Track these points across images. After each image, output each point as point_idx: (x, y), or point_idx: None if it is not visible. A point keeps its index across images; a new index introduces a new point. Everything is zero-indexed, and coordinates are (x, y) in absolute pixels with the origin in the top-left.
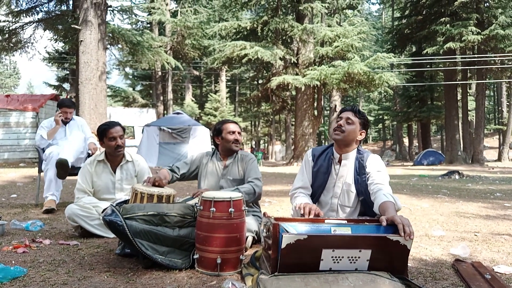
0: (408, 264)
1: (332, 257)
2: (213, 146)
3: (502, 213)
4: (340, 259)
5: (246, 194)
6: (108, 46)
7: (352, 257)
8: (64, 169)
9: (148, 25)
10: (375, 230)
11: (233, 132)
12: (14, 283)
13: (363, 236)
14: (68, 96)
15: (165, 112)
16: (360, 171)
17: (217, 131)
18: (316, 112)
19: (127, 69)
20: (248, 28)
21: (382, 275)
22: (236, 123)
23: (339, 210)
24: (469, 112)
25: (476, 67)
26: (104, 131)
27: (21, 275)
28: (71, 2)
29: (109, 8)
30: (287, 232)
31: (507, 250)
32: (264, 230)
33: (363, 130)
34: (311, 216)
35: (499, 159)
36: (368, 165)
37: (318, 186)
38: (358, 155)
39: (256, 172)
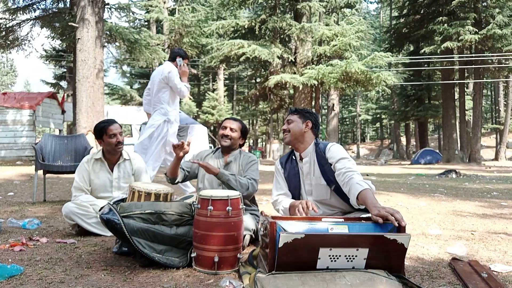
0: (405, 263)
1: (330, 255)
2: (211, 145)
3: (499, 212)
4: (338, 258)
5: (240, 186)
6: (106, 44)
7: (349, 255)
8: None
9: (146, 23)
10: (372, 228)
11: (225, 128)
12: (11, 281)
13: (361, 235)
14: (65, 95)
15: None
16: (322, 162)
17: (213, 132)
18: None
19: (125, 67)
20: (246, 26)
21: (379, 274)
22: (234, 120)
23: (318, 205)
24: (466, 111)
25: (473, 66)
26: (104, 129)
27: (18, 273)
28: (68, 0)
29: (106, 6)
30: (285, 231)
31: (504, 249)
32: (262, 229)
33: (307, 120)
34: (310, 210)
35: (496, 158)
36: (329, 156)
37: (294, 189)
38: (316, 148)
39: (256, 174)
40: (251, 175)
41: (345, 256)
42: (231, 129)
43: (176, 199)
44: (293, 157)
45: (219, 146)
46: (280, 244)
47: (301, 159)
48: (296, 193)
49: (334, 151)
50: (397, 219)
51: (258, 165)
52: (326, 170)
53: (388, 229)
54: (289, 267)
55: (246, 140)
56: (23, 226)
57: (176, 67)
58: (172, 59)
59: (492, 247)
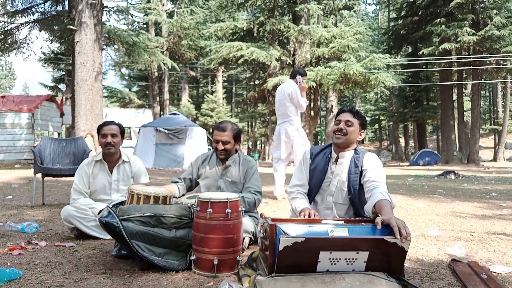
0: (405, 264)
1: (330, 259)
2: (209, 147)
3: (498, 212)
4: (338, 261)
5: (247, 204)
6: (104, 46)
7: (349, 258)
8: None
9: (145, 26)
10: (371, 231)
11: (217, 142)
12: (10, 285)
13: (361, 239)
14: (64, 97)
15: (161, 112)
16: (354, 170)
17: (212, 134)
18: (312, 113)
19: (123, 70)
20: (244, 29)
21: (379, 276)
22: (223, 129)
23: (334, 207)
24: (464, 113)
25: (471, 67)
26: (99, 128)
27: (16, 277)
28: (66, 3)
29: (105, 9)
30: (285, 234)
31: (503, 250)
32: (261, 231)
33: (363, 130)
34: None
35: (495, 159)
36: (365, 163)
37: (314, 185)
38: (354, 155)
39: (258, 184)
40: (254, 186)
41: (345, 259)
42: (223, 143)
43: (177, 201)
44: (329, 155)
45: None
46: (280, 248)
47: (336, 160)
48: (314, 190)
49: (371, 160)
50: (401, 234)
51: (257, 170)
52: (352, 179)
53: (387, 232)
54: (289, 270)
55: (245, 142)
56: (22, 229)
57: (296, 84)
58: (293, 76)
59: (492, 248)
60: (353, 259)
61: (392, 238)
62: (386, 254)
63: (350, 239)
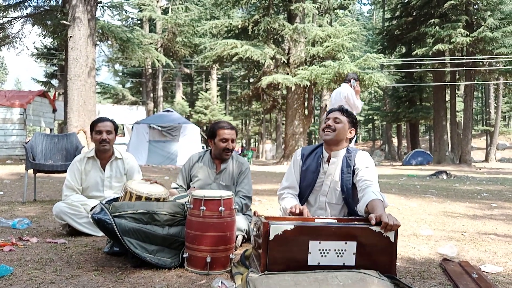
0: (396, 263)
1: (320, 249)
2: (203, 145)
3: (489, 213)
4: (327, 252)
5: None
6: (98, 42)
7: (338, 250)
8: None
9: (139, 22)
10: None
11: (226, 140)
12: (0, 282)
13: (347, 227)
14: (56, 93)
15: (155, 110)
16: (346, 170)
17: (211, 133)
18: (306, 112)
19: (117, 66)
20: (239, 26)
21: (371, 274)
22: (232, 128)
23: (327, 207)
24: (457, 113)
25: (464, 68)
26: (93, 124)
27: (7, 273)
28: None
29: (99, 4)
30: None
31: (494, 250)
32: (254, 229)
33: (352, 128)
34: (304, 216)
35: (486, 159)
36: (357, 162)
37: (307, 186)
38: (346, 154)
39: (249, 189)
40: (244, 191)
41: (335, 250)
42: (232, 141)
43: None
44: (321, 155)
45: (207, 149)
46: (271, 237)
47: (328, 160)
48: (307, 191)
49: (363, 158)
50: (389, 227)
51: (250, 173)
52: (345, 179)
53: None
54: (281, 264)
55: (239, 140)
56: (13, 225)
57: (351, 87)
58: (348, 81)
59: (482, 248)
60: (342, 250)
61: (377, 228)
62: (374, 245)
63: (337, 227)
